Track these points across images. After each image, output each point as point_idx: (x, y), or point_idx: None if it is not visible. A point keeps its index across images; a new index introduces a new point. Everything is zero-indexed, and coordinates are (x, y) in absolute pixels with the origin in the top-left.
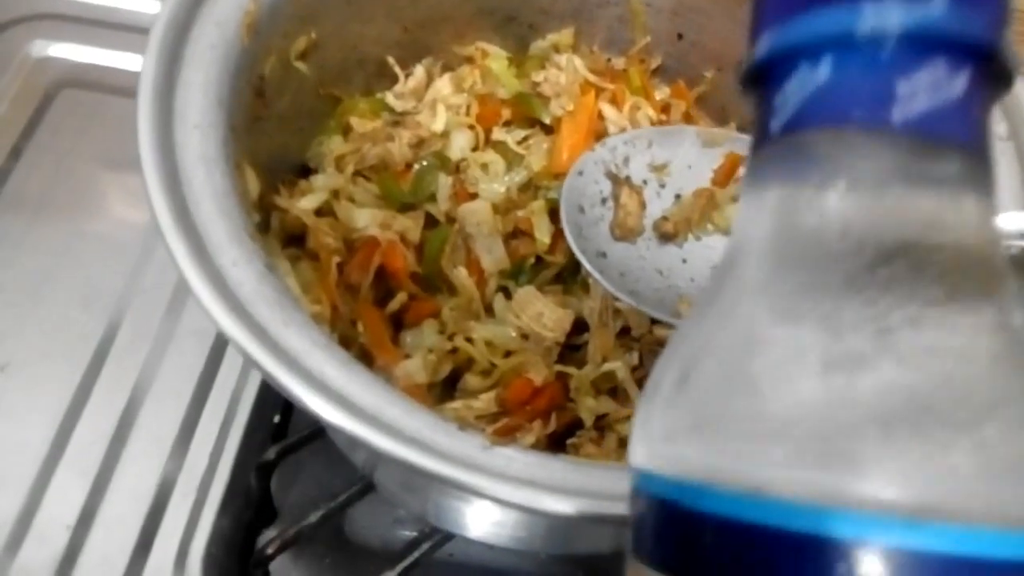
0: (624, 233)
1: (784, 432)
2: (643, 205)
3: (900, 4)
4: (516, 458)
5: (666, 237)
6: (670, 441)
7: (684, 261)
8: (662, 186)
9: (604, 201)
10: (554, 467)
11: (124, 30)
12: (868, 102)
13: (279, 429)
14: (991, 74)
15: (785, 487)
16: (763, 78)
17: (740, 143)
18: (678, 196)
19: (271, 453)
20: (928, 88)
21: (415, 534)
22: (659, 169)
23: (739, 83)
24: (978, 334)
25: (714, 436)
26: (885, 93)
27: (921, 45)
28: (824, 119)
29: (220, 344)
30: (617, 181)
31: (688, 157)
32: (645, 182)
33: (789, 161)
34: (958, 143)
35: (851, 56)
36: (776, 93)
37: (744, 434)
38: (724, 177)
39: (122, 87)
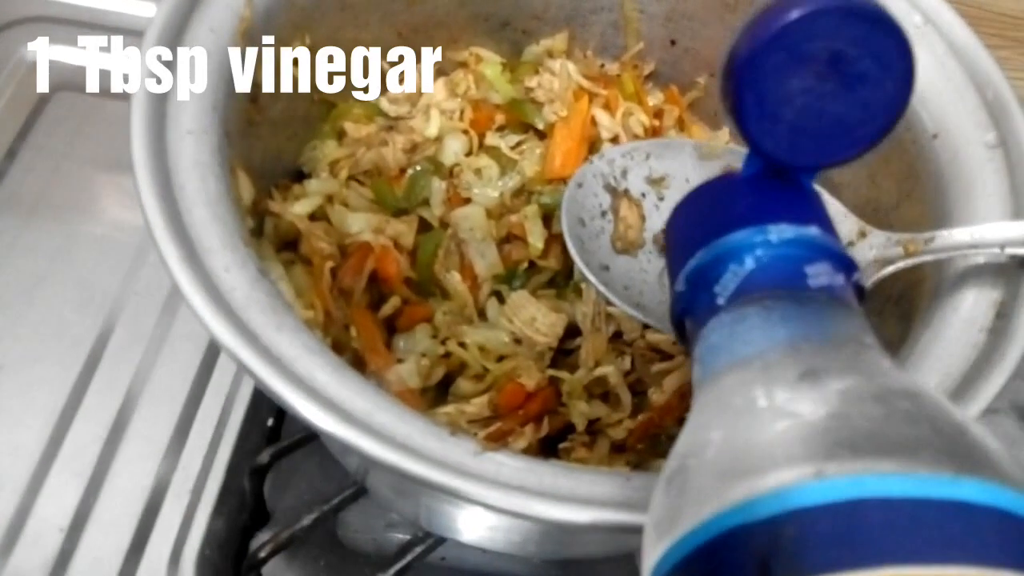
0: (625, 246)
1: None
2: (643, 218)
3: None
4: (507, 463)
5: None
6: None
7: None
8: (660, 199)
9: (604, 214)
10: (545, 472)
11: (120, 33)
12: (787, 278)
13: (273, 432)
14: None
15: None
16: (699, 281)
17: (736, 156)
18: None
19: (265, 456)
20: (824, 273)
21: (408, 537)
22: (657, 182)
23: (674, 308)
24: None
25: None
26: (798, 274)
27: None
28: (758, 289)
29: (214, 347)
30: (616, 194)
31: (685, 170)
32: (643, 195)
33: (735, 322)
34: (842, 298)
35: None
36: (714, 286)
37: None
38: None
39: (117, 90)
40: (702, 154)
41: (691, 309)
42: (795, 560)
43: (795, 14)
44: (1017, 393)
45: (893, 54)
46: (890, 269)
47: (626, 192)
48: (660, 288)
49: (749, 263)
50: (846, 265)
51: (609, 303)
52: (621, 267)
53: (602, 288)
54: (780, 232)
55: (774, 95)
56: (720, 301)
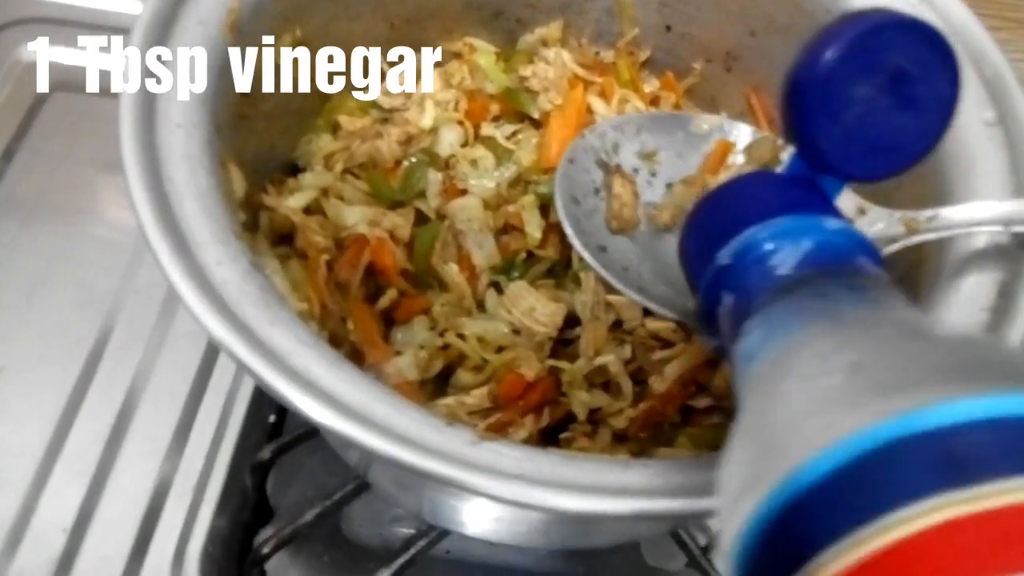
0: (621, 224)
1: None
2: (636, 195)
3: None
4: (506, 453)
5: (663, 228)
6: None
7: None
8: (653, 175)
9: (597, 191)
10: (544, 461)
11: (118, 33)
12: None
13: (274, 428)
14: None
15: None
16: (751, 255)
17: (729, 128)
18: (669, 185)
19: (267, 452)
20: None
21: (412, 531)
22: (648, 157)
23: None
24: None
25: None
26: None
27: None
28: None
29: (214, 345)
30: (608, 170)
31: (677, 144)
32: (636, 170)
33: (801, 292)
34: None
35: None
36: (769, 260)
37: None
38: (715, 164)
39: (115, 90)
40: (694, 127)
41: (740, 282)
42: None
43: (873, 22)
44: None
45: (947, 81)
46: (894, 247)
47: (618, 168)
48: (660, 268)
49: (806, 243)
50: (879, 261)
51: (609, 289)
52: (618, 247)
53: (602, 271)
54: (831, 223)
55: (838, 101)
56: (782, 271)
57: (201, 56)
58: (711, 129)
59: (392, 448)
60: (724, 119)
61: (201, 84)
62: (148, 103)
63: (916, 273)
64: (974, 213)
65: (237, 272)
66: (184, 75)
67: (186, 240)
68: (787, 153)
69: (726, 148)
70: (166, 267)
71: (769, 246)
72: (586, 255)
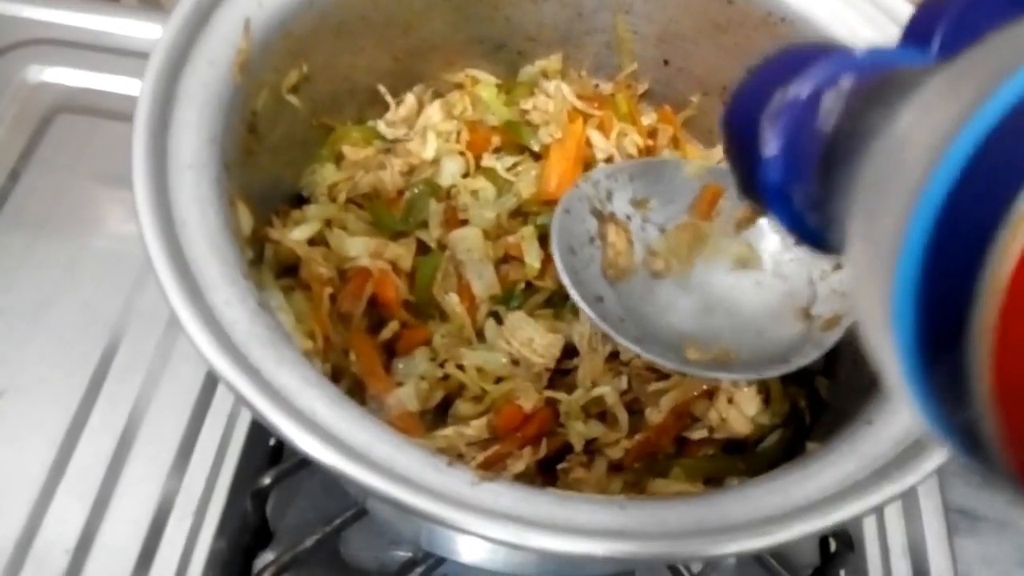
0: (617, 273)
1: None
2: (631, 243)
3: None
4: (504, 493)
5: (658, 275)
6: None
7: (683, 294)
8: (646, 221)
9: (592, 240)
10: (541, 502)
11: (119, 54)
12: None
13: (275, 452)
14: None
15: None
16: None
17: (719, 174)
18: (662, 230)
19: (267, 477)
20: None
21: (411, 555)
22: (641, 204)
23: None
24: None
25: None
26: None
27: None
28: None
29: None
30: (602, 218)
31: (670, 191)
32: (629, 217)
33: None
34: None
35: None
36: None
37: None
38: (705, 209)
39: (118, 111)
40: (685, 173)
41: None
42: None
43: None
44: None
45: None
46: None
47: (612, 216)
48: (657, 315)
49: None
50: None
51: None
52: (616, 296)
53: (600, 323)
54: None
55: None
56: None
57: (210, 95)
58: (702, 173)
59: (394, 490)
60: (713, 163)
61: (210, 123)
62: (159, 144)
63: None
64: None
65: (245, 313)
66: (194, 115)
67: (196, 281)
68: None
69: (716, 193)
70: (177, 310)
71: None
72: (584, 307)
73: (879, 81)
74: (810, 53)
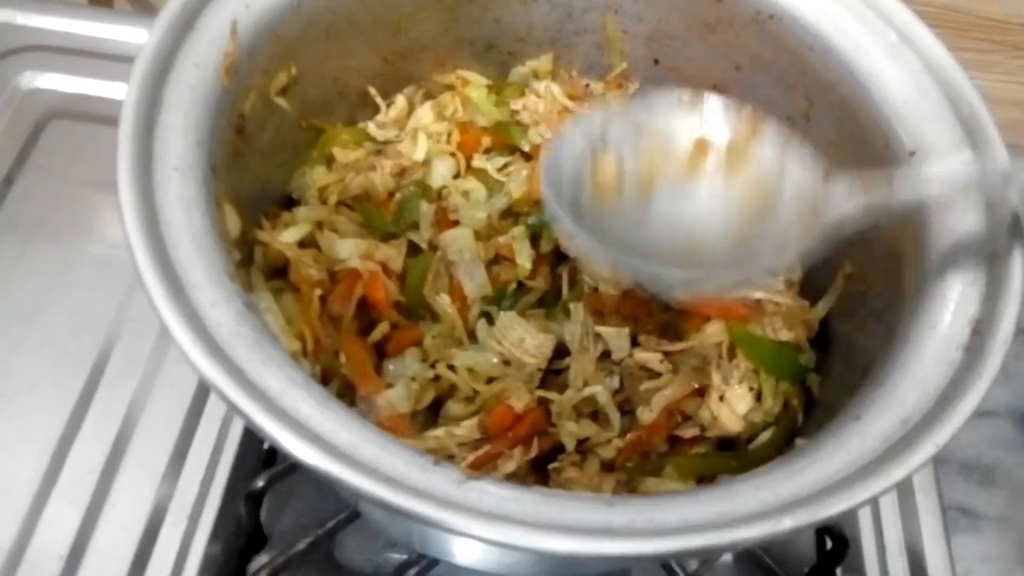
0: (605, 195)
1: None
2: (621, 167)
3: None
4: (490, 491)
5: (645, 190)
6: None
7: (671, 217)
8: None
9: (581, 175)
10: (528, 500)
11: (112, 60)
12: None
13: (268, 455)
14: None
15: None
16: None
17: (713, 116)
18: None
19: (261, 480)
20: None
21: (405, 557)
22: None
23: None
24: None
25: None
26: None
27: None
28: None
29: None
30: (593, 146)
31: (665, 119)
32: (619, 143)
33: None
34: None
35: None
36: None
37: None
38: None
39: (111, 116)
40: (681, 102)
41: None
42: None
43: None
44: (1014, 396)
45: None
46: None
47: (603, 140)
48: (656, 226)
49: None
50: None
51: (598, 319)
52: (609, 220)
53: (590, 241)
54: None
55: None
56: None
57: (197, 98)
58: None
59: (379, 489)
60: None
61: (196, 125)
62: (145, 147)
63: (895, 308)
64: (934, 171)
65: (231, 314)
66: (180, 118)
67: (181, 282)
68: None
69: (703, 146)
70: (162, 312)
71: None
72: (573, 229)
73: None
74: None
